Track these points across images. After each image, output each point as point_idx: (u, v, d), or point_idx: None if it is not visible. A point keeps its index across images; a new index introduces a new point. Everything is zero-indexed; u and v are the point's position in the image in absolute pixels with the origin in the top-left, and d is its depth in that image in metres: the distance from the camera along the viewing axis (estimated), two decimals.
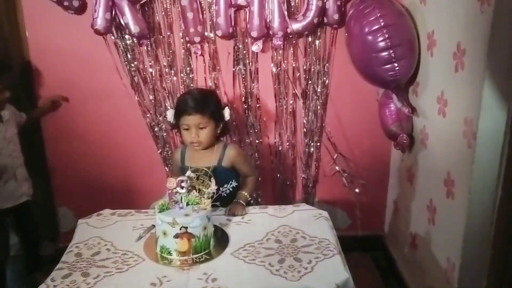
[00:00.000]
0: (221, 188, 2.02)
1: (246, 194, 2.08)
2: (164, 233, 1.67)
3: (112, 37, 2.50)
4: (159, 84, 2.62)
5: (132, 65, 2.56)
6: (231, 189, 2.12)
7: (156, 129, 2.70)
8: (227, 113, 2.08)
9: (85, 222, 1.97)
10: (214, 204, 1.86)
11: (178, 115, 2.01)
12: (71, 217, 2.82)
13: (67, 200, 2.86)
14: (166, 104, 2.64)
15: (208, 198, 1.77)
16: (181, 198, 1.73)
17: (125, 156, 2.78)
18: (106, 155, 2.77)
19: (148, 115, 2.67)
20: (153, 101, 2.64)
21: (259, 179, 2.75)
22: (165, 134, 2.71)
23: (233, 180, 2.14)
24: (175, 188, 1.73)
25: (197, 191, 1.80)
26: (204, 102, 2.00)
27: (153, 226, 1.80)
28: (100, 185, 2.81)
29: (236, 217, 1.98)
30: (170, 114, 2.06)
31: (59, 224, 2.90)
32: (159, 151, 2.75)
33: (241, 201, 2.05)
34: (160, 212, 1.70)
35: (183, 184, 1.73)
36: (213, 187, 1.83)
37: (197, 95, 2.04)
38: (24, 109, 2.52)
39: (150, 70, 2.59)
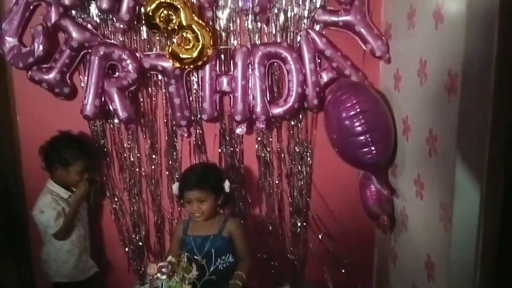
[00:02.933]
0: (218, 260, 2.16)
1: (243, 275, 2.11)
2: None
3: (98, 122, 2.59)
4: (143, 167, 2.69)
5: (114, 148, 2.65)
6: (227, 263, 2.19)
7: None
8: (227, 186, 2.23)
9: None
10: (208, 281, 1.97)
11: (181, 189, 2.17)
12: None
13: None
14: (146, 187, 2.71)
15: (189, 284, 1.77)
16: (162, 284, 1.73)
17: (106, 238, 2.77)
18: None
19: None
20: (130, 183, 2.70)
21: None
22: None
23: (231, 255, 2.21)
24: (155, 274, 1.73)
25: (179, 276, 1.80)
26: (204, 177, 2.17)
27: None
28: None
29: None
30: (175, 188, 2.24)
31: None
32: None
33: (237, 281, 2.07)
34: None
35: (163, 270, 1.73)
36: (194, 272, 1.83)
37: (198, 171, 2.24)
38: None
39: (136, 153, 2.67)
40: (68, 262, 2.44)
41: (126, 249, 2.76)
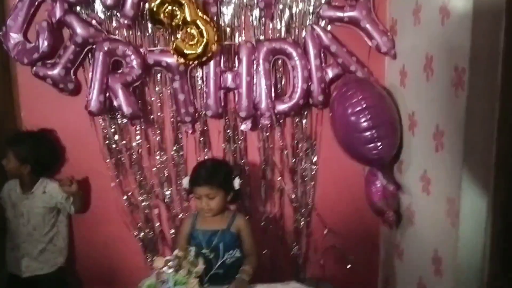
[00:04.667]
0: (226, 254, 2.17)
1: (249, 270, 2.12)
2: None
3: (104, 118, 2.58)
4: (150, 163, 2.68)
5: (122, 144, 2.64)
6: (234, 258, 2.19)
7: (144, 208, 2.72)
8: (236, 183, 2.22)
9: None
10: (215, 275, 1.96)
11: (191, 184, 2.17)
12: None
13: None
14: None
15: (196, 277, 1.76)
16: (169, 278, 1.72)
17: (114, 235, 2.77)
18: (95, 233, 2.75)
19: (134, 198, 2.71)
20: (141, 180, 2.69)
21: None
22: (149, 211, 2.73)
23: (238, 250, 2.22)
24: (162, 268, 1.73)
25: (185, 270, 1.79)
26: (214, 174, 2.16)
27: None
28: (87, 265, 2.77)
29: None
30: (185, 182, 2.24)
31: None
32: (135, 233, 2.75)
33: (244, 276, 2.08)
34: None
35: (170, 264, 1.73)
36: (200, 266, 1.83)
37: (208, 167, 2.23)
38: None
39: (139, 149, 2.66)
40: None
41: (141, 244, 2.76)
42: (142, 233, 2.74)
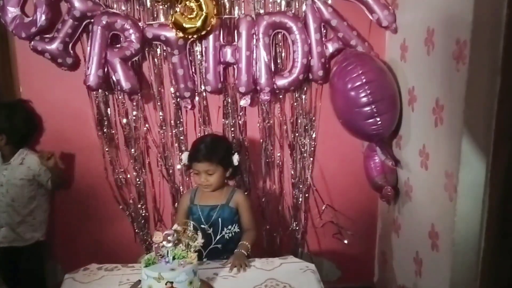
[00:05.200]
0: (225, 229, 2.19)
1: (247, 244, 2.12)
2: None
3: (102, 92, 2.58)
4: (150, 138, 2.68)
5: (123, 119, 2.63)
6: (233, 233, 2.22)
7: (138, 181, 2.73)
8: (235, 159, 2.21)
9: (71, 277, 1.96)
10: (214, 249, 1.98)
11: (190, 160, 2.17)
12: (58, 271, 2.79)
13: (55, 254, 2.83)
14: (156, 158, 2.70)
15: (195, 252, 1.77)
16: (167, 252, 1.73)
17: (115, 210, 2.78)
18: (95, 209, 2.77)
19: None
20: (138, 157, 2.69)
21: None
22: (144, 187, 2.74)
23: (236, 225, 2.23)
24: (161, 242, 1.73)
25: (184, 244, 1.80)
26: (213, 150, 2.15)
27: (140, 281, 1.80)
28: (89, 239, 2.79)
29: (223, 271, 1.98)
30: (185, 157, 2.23)
31: (47, 279, 2.85)
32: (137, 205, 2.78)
33: (243, 251, 2.08)
34: (146, 266, 1.69)
35: (169, 238, 1.73)
36: (199, 240, 1.84)
37: (207, 143, 2.19)
38: None
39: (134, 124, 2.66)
40: None
41: (131, 220, 2.78)
42: (134, 209, 2.77)
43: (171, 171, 2.73)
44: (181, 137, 2.68)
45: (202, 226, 2.16)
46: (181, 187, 2.76)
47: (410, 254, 2.33)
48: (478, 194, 1.82)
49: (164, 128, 2.67)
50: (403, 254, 2.47)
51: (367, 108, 2.22)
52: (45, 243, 2.64)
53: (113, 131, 2.66)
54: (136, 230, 2.80)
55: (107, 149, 2.67)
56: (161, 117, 2.65)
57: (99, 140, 2.66)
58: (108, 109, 2.62)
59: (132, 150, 2.67)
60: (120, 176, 2.72)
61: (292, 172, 2.79)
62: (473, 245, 1.87)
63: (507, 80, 1.73)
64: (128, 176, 2.73)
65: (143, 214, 2.79)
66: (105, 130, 2.64)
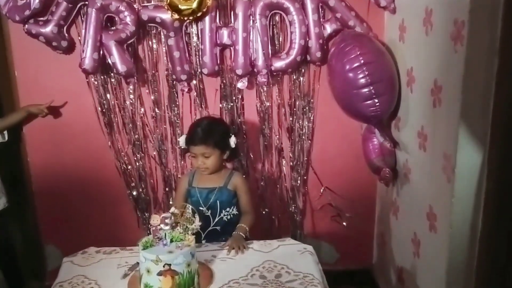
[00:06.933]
0: (223, 211, 2.21)
1: (245, 227, 2.14)
2: (148, 271, 1.67)
3: (100, 76, 2.55)
4: (145, 121, 2.67)
5: (117, 103, 2.62)
6: (231, 215, 2.23)
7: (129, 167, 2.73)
8: (232, 141, 2.22)
9: (70, 260, 1.97)
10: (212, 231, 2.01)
11: (187, 143, 2.18)
12: (58, 255, 2.79)
13: (54, 237, 2.84)
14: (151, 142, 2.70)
15: (193, 234, 1.78)
16: (165, 235, 1.74)
17: (113, 193, 2.78)
18: (94, 193, 2.78)
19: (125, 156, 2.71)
20: (137, 141, 2.69)
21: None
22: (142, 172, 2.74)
23: (235, 208, 2.25)
24: (159, 225, 1.74)
25: (182, 227, 1.81)
26: (210, 133, 2.16)
27: (138, 263, 1.81)
28: (88, 222, 2.80)
29: (221, 253, 1.99)
30: (182, 141, 2.23)
31: (46, 262, 2.88)
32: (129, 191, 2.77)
33: (240, 232, 2.10)
34: (143, 249, 1.70)
35: (167, 221, 1.74)
36: (197, 223, 1.84)
37: (204, 126, 2.19)
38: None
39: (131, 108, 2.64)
40: None
41: (134, 204, 2.79)
42: (135, 192, 2.77)
43: (166, 155, 2.73)
44: (177, 120, 2.67)
45: (201, 208, 2.17)
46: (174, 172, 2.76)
47: (408, 235, 2.34)
48: (476, 176, 1.82)
49: (158, 111, 2.65)
50: (401, 236, 2.48)
51: (365, 90, 2.20)
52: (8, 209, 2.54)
53: (112, 115, 2.64)
54: (138, 214, 2.81)
55: (107, 132, 2.66)
56: (155, 100, 2.63)
57: (98, 124, 2.64)
58: (108, 94, 2.60)
59: (132, 133, 2.67)
60: (120, 160, 2.71)
61: (291, 155, 2.78)
62: (470, 226, 1.87)
63: (505, 61, 1.71)
64: (126, 159, 2.72)
65: (144, 198, 2.78)
66: (104, 113, 2.63)
